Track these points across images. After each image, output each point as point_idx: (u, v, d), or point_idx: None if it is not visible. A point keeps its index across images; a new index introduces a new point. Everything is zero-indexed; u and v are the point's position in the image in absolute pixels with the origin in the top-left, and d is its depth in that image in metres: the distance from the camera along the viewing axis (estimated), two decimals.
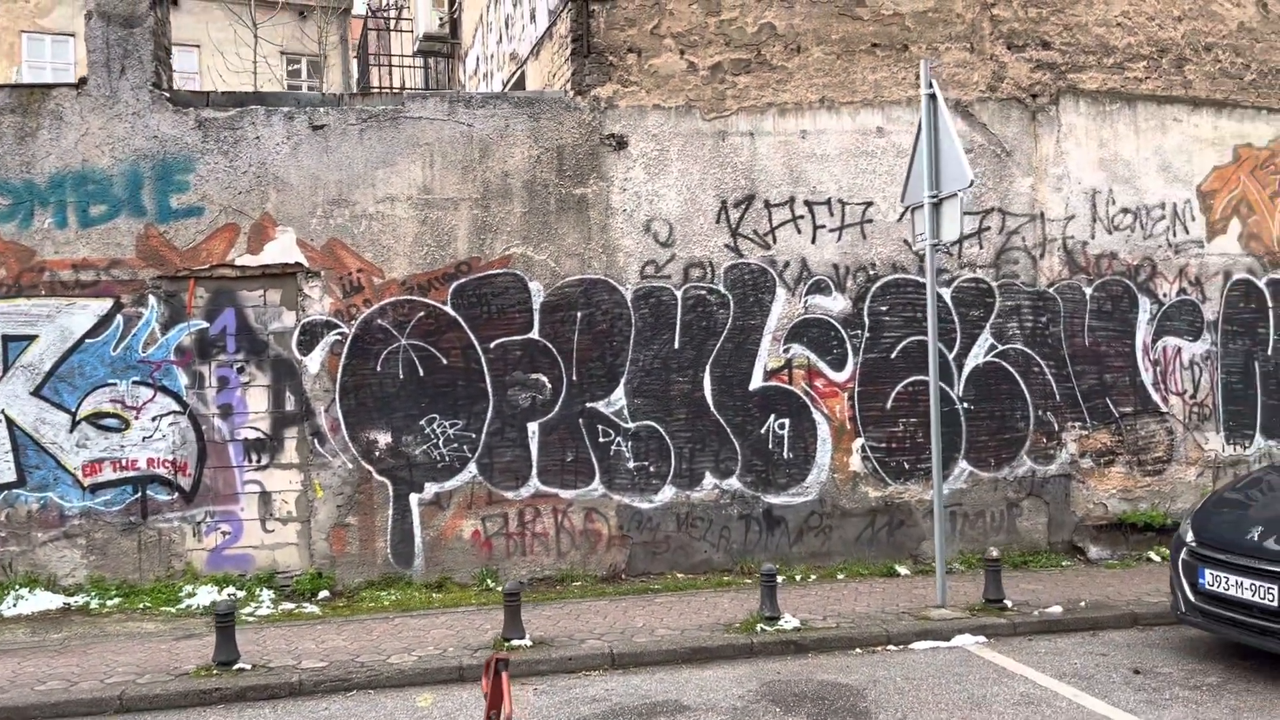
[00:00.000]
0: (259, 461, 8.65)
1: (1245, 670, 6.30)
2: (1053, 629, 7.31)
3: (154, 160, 8.54)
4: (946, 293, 9.43)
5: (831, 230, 9.33)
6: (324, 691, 6.15)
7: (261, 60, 18.97)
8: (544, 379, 8.94)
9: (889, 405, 9.34)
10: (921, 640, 7.07)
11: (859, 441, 9.31)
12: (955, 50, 9.52)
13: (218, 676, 6.18)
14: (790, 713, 5.76)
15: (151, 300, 8.54)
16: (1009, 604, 7.63)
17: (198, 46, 24.13)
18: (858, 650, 6.95)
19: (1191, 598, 6.52)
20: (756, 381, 9.20)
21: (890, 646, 7.01)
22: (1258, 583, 6.02)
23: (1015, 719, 5.61)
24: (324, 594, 8.47)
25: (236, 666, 6.30)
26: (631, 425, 9.03)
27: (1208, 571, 6.38)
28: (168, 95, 8.69)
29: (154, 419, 8.51)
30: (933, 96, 7.64)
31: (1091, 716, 5.63)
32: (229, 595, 8.15)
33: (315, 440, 8.67)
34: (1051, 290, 9.62)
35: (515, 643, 6.76)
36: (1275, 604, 5.91)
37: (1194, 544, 6.61)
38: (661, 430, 9.06)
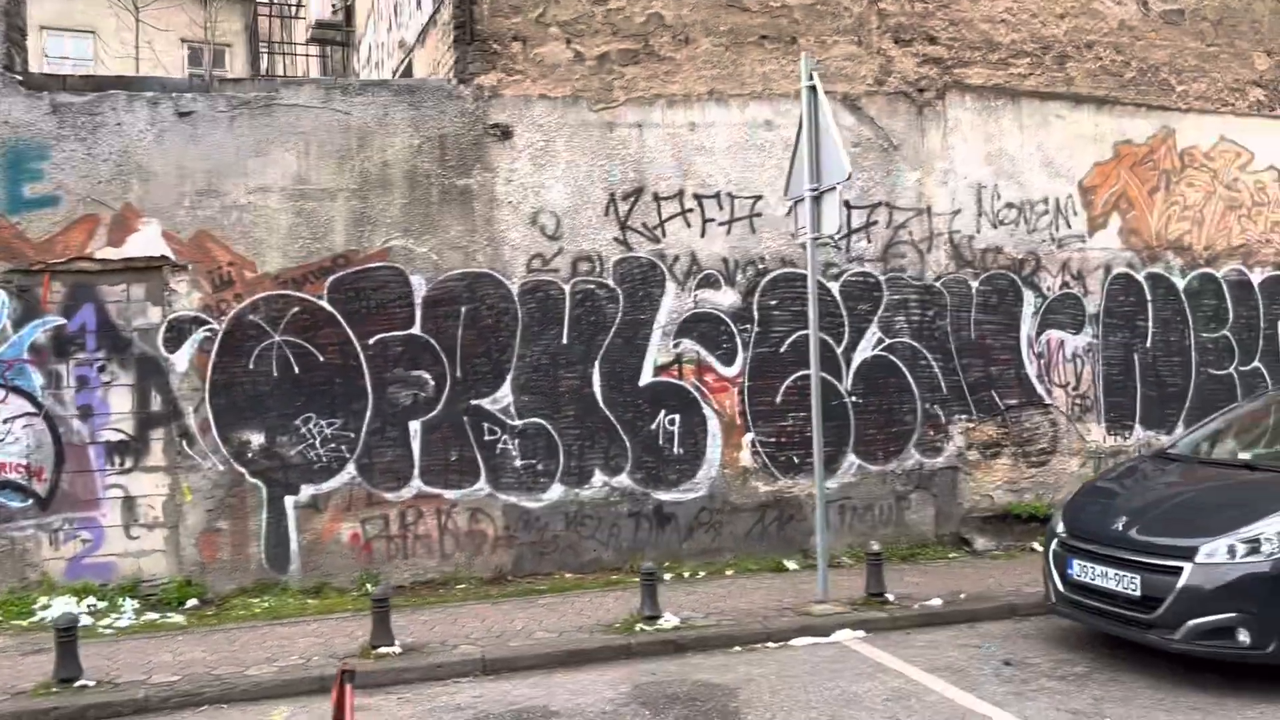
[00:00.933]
0: (122, 465, 8.22)
1: (1113, 660, 6.38)
2: (932, 621, 7.34)
3: (4, 147, 8.03)
4: (835, 287, 9.43)
5: (721, 224, 9.24)
6: (171, 708, 5.83)
7: (147, 46, 18.20)
8: (426, 376, 8.68)
9: (779, 400, 9.31)
10: (801, 636, 7.03)
11: (749, 436, 9.25)
12: (843, 44, 9.52)
13: (56, 695, 5.82)
14: (659, 716, 5.65)
15: (2, 295, 8.04)
16: (891, 597, 7.64)
17: (92, 33, 23.16)
18: (737, 648, 6.87)
19: (1061, 588, 6.58)
20: (646, 377, 9.07)
21: (770, 644, 6.95)
22: (1121, 573, 6.10)
23: (885, 715, 5.58)
24: (192, 602, 8.09)
25: (79, 684, 5.94)
26: (518, 423, 8.82)
27: (1076, 562, 6.44)
28: (19, 78, 8.19)
29: (5, 421, 8.02)
30: (813, 89, 7.59)
31: (958, 710, 5.63)
32: (89, 606, 7.73)
33: (184, 441, 8.27)
34: (939, 284, 9.70)
35: (383, 650, 6.51)
36: (1138, 594, 5.99)
37: (1064, 534, 6.68)
38: (549, 427, 8.87)
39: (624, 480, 9.00)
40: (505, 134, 8.87)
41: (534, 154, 8.90)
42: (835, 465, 9.39)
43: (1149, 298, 10.45)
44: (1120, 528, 6.29)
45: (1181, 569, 5.81)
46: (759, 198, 9.29)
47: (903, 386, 9.56)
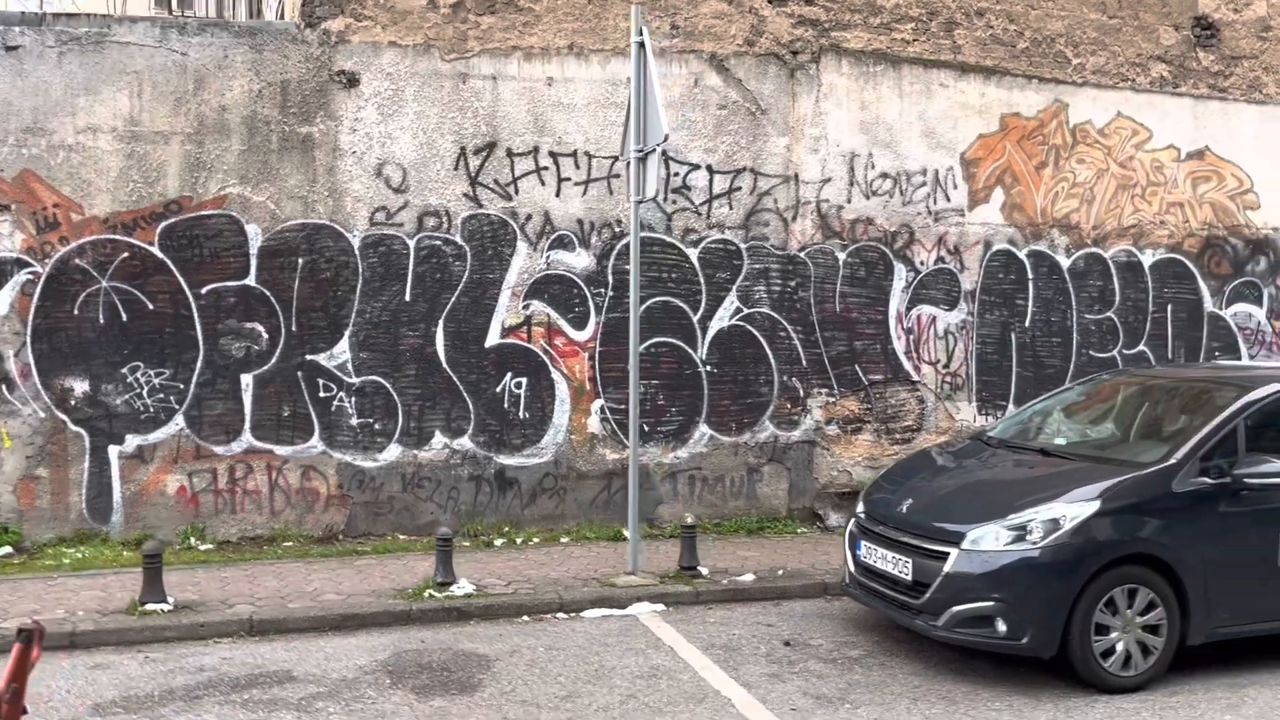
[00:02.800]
0: None
1: (893, 645, 6.24)
2: (738, 597, 7.19)
3: None
4: (694, 253, 9.19)
5: (577, 184, 8.98)
6: None
7: None
8: (260, 329, 8.46)
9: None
10: (596, 608, 6.88)
11: (599, 403, 9.06)
12: (714, 1, 9.19)
13: None
14: (398, 685, 5.50)
15: None
16: (705, 571, 7.49)
17: None
18: (525, 618, 6.73)
19: (852, 569, 6.43)
20: (493, 338, 8.86)
21: (560, 614, 6.80)
22: (898, 555, 5.94)
23: (626, 692, 5.44)
24: (5, 550, 7.93)
25: None
26: (356, 380, 8.62)
27: (863, 543, 6.29)
28: None
29: None
30: (641, 45, 7.30)
31: (703, 689, 5.49)
32: None
33: (3, 387, 8.07)
34: (803, 254, 9.45)
35: (151, 607, 6.36)
36: (909, 578, 5.83)
37: (861, 514, 6.51)
38: (389, 386, 8.67)
39: (466, 443, 8.82)
40: (351, 81, 8.58)
41: (381, 103, 8.61)
42: (686, 435, 9.21)
43: (1030, 276, 10.21)
44: (904, 510, 6.13)
45: (948, 554, 5.64)
46: (618, 158, 9.00)
47: (760, 357, 9.35)
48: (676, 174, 9.12)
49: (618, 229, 9.04)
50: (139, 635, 6.05)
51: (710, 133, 9.18)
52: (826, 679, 5.66)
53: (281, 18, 10.56)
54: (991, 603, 5.46)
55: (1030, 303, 10.22)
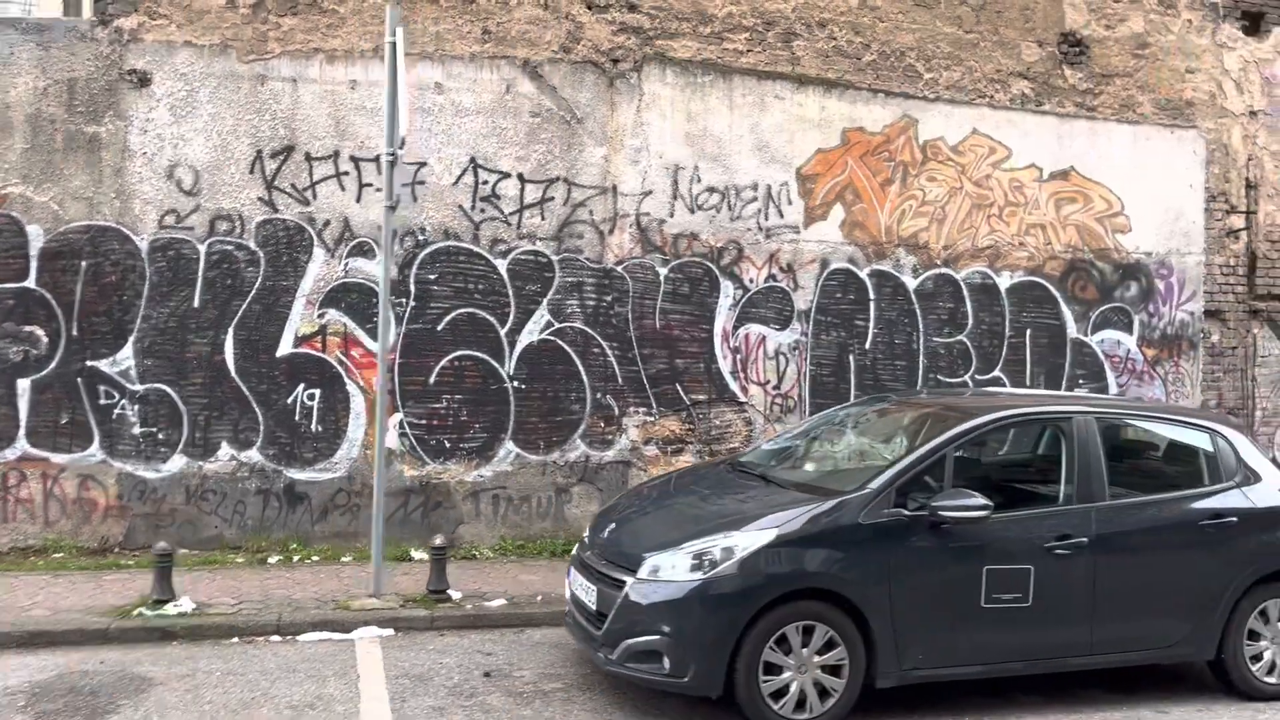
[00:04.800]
0: None
1: (599, 680, 5.86)
2: (478, 624, 6.84)
3: None
4: (503, 265, 8.89)
5: (379, 190, 8.67)
6: None
7: None
8: (40, 332, 8.21)
9: (432, 380, 8.79)
10: (317, 631, 6.55)
11: (397, 417, 8.74)
12: (529, 5, 8.93)
13: None
14: (29, 709, 5.18)
15: None
16: (455, 595, 7.15)
17: None
18: (235, 640, 6.40)
19: (568, 598, 6.07)
20: (286, 348, 8.57)
21: (275, 637, 6.47)
22: (588, 583, 5.58)
23: None
24: None
25: None
26: (139, 388, 8.35)
27: (573, 570, 5.93)
28: None
29: None
30: (394, 45, 7.03)
31: None
32: None
33: None
34: (620, 268, 9.13)
35: None
36: (594, 607, 5.46)
37: (585, 538, 6.15)
38: (174, 394, 8.40)
39: (254, 455, 8.52)
40: (143, 81, 8.36)
41: (174, 104, 8.39)
42: (491, 452, 8.88)
43: (872, 296, 9.84)
44: (605, 535, 5.77)
45: (624, 583, 5.27)
46: (423, 164, 8.74)
47: (572, 374, 9.02)
48: (485, 182, 8.84)
49: (421, 237, 8.76)
50: None
51: (522, 141, 8.90)
52: (493, 713, 5.31)
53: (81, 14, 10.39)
54: (657, 636, 5.09)
55: (872, 324, 9.85)
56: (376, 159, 8.67)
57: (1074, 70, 10.57)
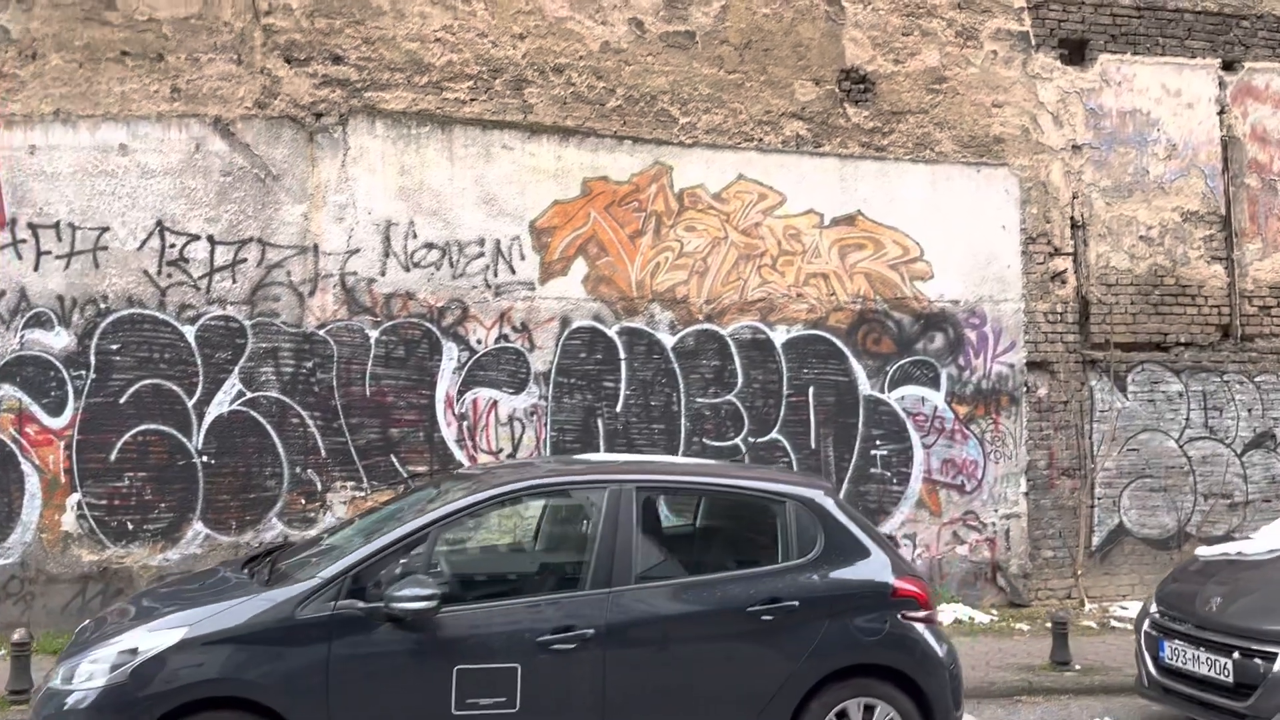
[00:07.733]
0: None
1: None
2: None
3: None
4: (190, 331, 8.35)
5: (59, 257, 8.26)
6: None
7: None
8: None
9: (114, 456, 8.22)
10: None
11: (75, 497, 8.17)
12: (220, 62, 8.53)
13: None
14: None
15: None
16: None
17: None
18: None
19: None
20: None
21: None
22: None
23: None
24: None
25: None
26: None
27: None
28: None
29: None
30: None
31: None
32: None
33: None
34: (323, 332, 8.53)
35: None
36: None
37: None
38: None
39: None
40: None
41: None
42: (178, 534, 8.25)
43: (623, 356, 9.11)
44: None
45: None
46: (106, 229, 8.30)
47: (266, 446, 8.39)
48: (173, 245, 8.36)
49: (103, 305, 8.28)
50: None
51: (213, 201, 8.43)
52: None
53: None
54: None
55: (624, 385, 9.10)
56: (56, 225, 8.27)
57: (858, 109, 9.87)
